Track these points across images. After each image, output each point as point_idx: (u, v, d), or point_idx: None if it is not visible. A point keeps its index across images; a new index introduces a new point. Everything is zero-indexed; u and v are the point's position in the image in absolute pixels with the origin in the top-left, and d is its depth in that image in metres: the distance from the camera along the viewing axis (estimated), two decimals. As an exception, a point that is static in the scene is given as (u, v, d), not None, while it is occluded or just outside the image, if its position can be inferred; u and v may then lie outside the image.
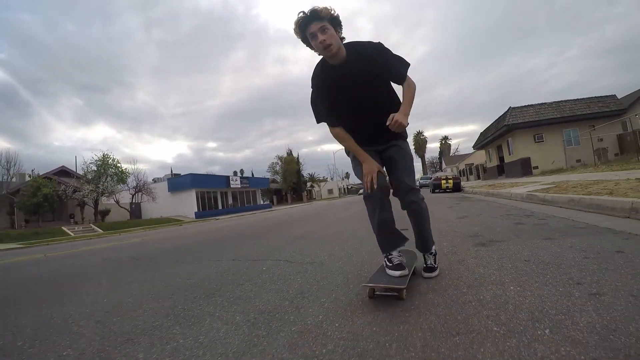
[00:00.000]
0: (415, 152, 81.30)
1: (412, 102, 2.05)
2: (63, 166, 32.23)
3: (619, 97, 22.77)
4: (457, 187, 18.02)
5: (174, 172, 47.01)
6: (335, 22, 1.96)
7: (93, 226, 26.57)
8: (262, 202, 47.43)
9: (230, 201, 41.84)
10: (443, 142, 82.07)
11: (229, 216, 30.50)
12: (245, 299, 2.31)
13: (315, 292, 2.26)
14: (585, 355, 1.14)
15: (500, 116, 25.30)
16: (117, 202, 31.64)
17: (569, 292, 1.71)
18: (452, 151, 79.06)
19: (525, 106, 23.25)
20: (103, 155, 30.17)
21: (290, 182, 55.91)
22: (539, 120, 22.34)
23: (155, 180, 40.31)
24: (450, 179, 18.53)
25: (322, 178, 71.37)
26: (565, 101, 22.95)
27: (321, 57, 2.07)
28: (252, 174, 48.48)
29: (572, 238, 2.98)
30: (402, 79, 2.09)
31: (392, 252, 2.16)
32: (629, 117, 20.46)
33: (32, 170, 30.52)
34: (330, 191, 70.76)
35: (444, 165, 64.35)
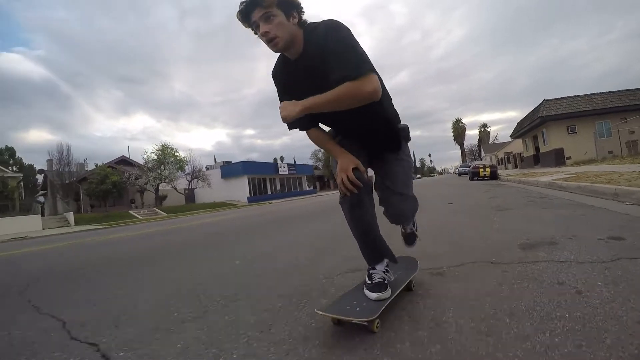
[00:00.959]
0: (455, 140, 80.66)
1: (329, 98, 1.42)
2: (123, 156, 35.66)
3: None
4: (494, 176, 18.80)
5: (216, 159, 49.34)
6: (287, 5, 1.48)
7: (156, 209, 28.97)
8: (307, 188, 49.74)
9: (278, 187, 44.34)
10: (482, 129, 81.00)
11: (280, 200, 31.60)
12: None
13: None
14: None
15: (535, 108, 25.86)
16: (175, 188, 34.12)
17: (545, 228, 3.47)
18: (491, 139, 77.88)
19: (558, 99, 23.78)
20: (162, 145, 32.62)
21: (332, 168, 57.19)
22: (571, 113, 22.89)
23: (207, 168, 43.22)
24: (487, 167, 19.46)
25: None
26: (598, 94, 23.29)
27: None
28: (294, 161, 50.67)
29: (559, 209, 4.66)
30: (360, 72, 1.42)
31: (376, 266, 1.74)
32: (661, 110, 20.62)
33: (98, 163, 33.52)
34: (371, 177, 71.26)
35: (482, 154, 63.79)
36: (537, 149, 29.02)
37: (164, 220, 18.21)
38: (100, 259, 5.06)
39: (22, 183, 35.74)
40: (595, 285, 1.76)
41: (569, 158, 23.27)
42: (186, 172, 35.62)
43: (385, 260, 1.76)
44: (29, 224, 20.78)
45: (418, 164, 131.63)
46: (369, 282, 1.70)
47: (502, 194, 7.96)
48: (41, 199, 34.93)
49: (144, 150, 46.13)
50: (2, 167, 32.58)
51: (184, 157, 34.03)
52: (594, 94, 23.49)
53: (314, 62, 1.51)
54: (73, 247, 7.44)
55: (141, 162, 33.00)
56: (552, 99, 23.99)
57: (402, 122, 1.89)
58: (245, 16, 1.49)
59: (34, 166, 51.06)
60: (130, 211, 27.86)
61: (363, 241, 1.73)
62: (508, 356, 1.22)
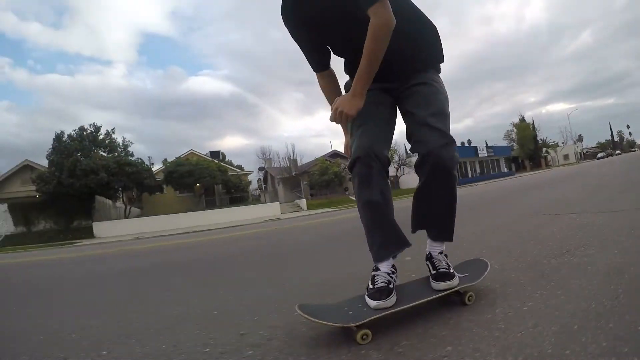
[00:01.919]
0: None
1: (370, 68, 1.22)
2: (335, 150, 37.45)
3: None
4: None
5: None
6: None
7: None
8: (505, 170, 43.96)
9: (477, 170, 40.44)
10: None
11: (484, 182, 29.27)
12: None
13: None
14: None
15: None
16: None
17: None
18: None
19: None
20: None
21: (527, 148, 49.80)
22: None
23: (409, 155, 42.00)
24: None
25: (553, 142, 61.24)
26: None
27: None
28: (487, 144, 45.11)
29: None
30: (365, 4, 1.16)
31: (380, 266, 1.29)
32: None
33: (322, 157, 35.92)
34: (565, 157, 60.12)
35: None
36: None
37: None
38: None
39: (248, 178, 41.36)
40: None
41: None
42: (393, 160, 35.21)
43: (392, 260, 1.31)
44: (269, 210, 23.17)
45: (615, 138, 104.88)
46: (371, 286, 1.26)
47: None
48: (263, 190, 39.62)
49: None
50: (233, 167, 38.42)
51: (392, 148, 33.63)
52: None
53: None
54: (332, 223, 7.90)
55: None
56: None
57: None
58: None
59: (241, 165, 59.20)
60: (350, 197, 28.71)
61: (367, 227, 1.33)
62: None
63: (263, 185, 43.35)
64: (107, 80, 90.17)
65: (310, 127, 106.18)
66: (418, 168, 1.33)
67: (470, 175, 39.00)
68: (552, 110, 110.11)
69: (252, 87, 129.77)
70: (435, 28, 1.43)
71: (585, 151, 70.25)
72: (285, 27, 1.39)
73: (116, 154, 24.14)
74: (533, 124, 52.89)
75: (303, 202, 25.86)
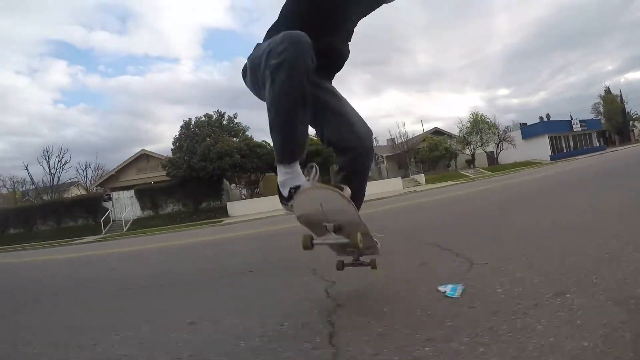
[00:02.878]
0: None
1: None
2: (436, 127, 36.92)
3: None
4: None
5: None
6: None
7: (479, 169, 28.84)
8: (597, 144, 40.83)
9: (571, 144, 38.04)
10: None
11: (585, 156, 27.56)
12: None
13: None
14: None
15: None
16: (485, 151, 33.78)
17: None
18: None
19: None
20: (475, 114, 33.05)
21: (615, 122, 45.80)
22: None
23: (505, 130, 40.41)
24: None
25: (636, 115, 55.84)
26: None
27: None
28: (571, 117, 42.07)
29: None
30: None
31: (290, 163, 1.23)
32: None
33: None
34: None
35: None
36: None
37: (492, 177, 18.45)
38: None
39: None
40: None
41: None
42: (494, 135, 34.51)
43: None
44: (391, 185, 23.07)
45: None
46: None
47: None
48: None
49: (458, 119, 49.26)
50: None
51: (494, 123, 33.55)
52: None
53: None
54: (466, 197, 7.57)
55: (454, 131, 34.30)
56: None
57: None
58: None
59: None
60: (461, 171, 28.37)
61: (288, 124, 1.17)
62: None
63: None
64: (176, 76, 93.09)
65: (380, 107, 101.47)
66: None
67: (564, 150, 36.68)
68: (631, 78, 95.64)
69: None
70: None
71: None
72: None
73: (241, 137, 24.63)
74: (621, 95, 48.54)
75: (421, 177, 25.66)
